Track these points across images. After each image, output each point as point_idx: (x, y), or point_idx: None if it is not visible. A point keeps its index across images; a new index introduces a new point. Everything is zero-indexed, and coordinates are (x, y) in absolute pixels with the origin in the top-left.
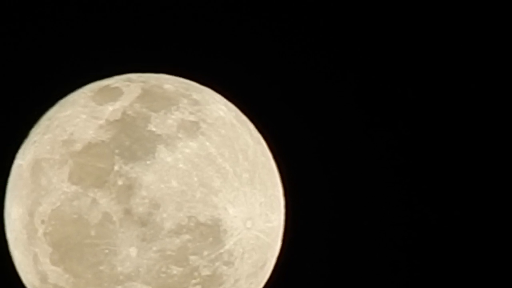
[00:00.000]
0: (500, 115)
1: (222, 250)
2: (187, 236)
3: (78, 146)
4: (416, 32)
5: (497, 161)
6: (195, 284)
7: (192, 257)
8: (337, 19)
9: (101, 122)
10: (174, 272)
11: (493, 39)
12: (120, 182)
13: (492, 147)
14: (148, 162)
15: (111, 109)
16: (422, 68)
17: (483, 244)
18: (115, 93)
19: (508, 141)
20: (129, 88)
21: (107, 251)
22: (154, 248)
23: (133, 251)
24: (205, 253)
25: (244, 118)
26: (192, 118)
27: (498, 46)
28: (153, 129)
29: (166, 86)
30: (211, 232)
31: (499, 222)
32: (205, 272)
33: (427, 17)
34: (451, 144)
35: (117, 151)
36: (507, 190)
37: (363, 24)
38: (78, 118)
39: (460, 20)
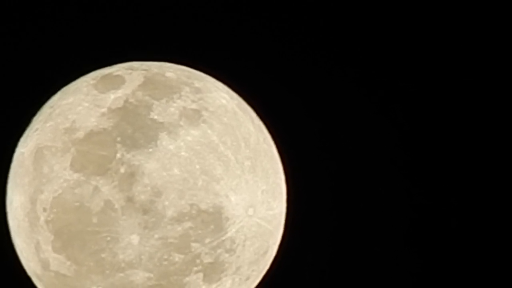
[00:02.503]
0: (500, 112)
1: (224, 238)
2: (189, 224)
3: (80, 134)
4: (417, 30)
5: (499, 160)
6: (197, 272)
7: (194, 245)
8: (338, 9)
9: (103, 110)
10: (176, 259)
11: (493, 37)
12: (122, 170)
13: (494, 149)
14: (150, 150)
15: (113, 97)
16: (423, 66)
17: (481, 244)
18: (117, 81)
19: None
20: (131, 76)
21: (109, 238)
22: (156, 236)
23: (134, 239)
24: (207, 240)
25: (246, 106)
26: (194, 106)
27: (498, 43)
28: (155, 117)
29: (168, 74)
30: (213, 219)
31: (499, 219)
32: (207, 259)
33: (429, 14)
34: (451, 139)
35: (119, 139)
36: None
37: (363, 14)
38: (80, 106)
39: (460, 16)
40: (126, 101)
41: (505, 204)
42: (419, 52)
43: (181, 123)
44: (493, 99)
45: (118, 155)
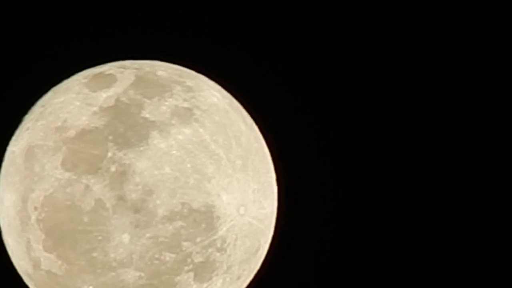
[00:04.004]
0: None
1: (215, 237)
2: (180, 223)
3: (71, 133)
4: (414, 31)
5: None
6: (188, 271)
7: (185, 244)
8: (329, 6)
9: (95, 108)
10: (167, 258)
11: (493, 37)
12: (113, 169)
13: (494, 149)
14: (141, 148)
15: (105, 96)
16: (414, 67)
17: (481, 245)
18: (109, 80)
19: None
20: (123, 75)
21: (100, 237)
22: (147, 235)
23: (126, 238)
24: (198, 239)
25: (237, 104)
26: (185, 104)
27: (498, 43)
28: (147, 115)
29: (160, 73)
30: (204, 218)
31: (498, 220)
32: (198, 258)
33: (427, 16)
34: (443, 139)
35: (110, 137)
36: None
37: (354, 10)
38: (71, 105)
39: (460, 16)
40: (117, 99)
41: (505, 204)
42: (411, 51)
43: (173, 121)
44: (494, 100)
45: (110, 154)
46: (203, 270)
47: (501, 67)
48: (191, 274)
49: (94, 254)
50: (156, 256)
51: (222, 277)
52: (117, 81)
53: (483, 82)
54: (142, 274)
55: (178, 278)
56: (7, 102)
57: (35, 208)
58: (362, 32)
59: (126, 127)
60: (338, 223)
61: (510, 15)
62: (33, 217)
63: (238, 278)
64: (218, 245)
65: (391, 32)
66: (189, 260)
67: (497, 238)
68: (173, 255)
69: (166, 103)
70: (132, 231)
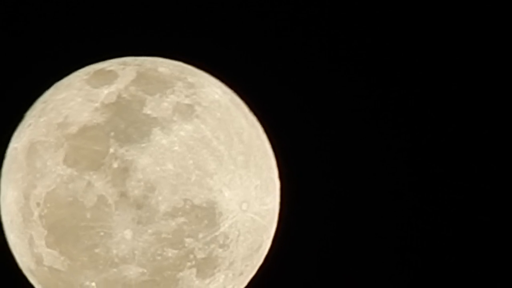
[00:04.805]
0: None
1: (217, 233)
2: (182, 219)
3: (73, 129)
4: (414, 31)
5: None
6: (190, 267)
7: (187, 240)
8: (329, 4)
9: (97, 105)
10: (169, 254)
11: (493, 39)
12: (115, 165)
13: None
14: (143, 145)
15: (107, 92)
16: (414, 67)
17: (480, 246)
18: (111, 76)
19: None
20: (124, 71)
21: (102, 233)
22: (150, 231)
23: (128, 234)
24: (200, 235)
25: (239, 101)
26: (187, 101)
27: (498, 44)
28: (149, 112)
29: (161, 69)
30: (207, 214)
31: (498, 222)
32: (200, 254)
33: (428, 16)
34: (441, 141)
35: (112, 134)
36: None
37: (355, 9)
38: (73, 101)
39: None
40: (119, 96)
41: (505, 203)
42: (411, 51)
43: (174, 118)
44: (493, 100)
45: (111, 150)
46: (206, 266)
47: (501, 67)
48: (194, 270)
49: (96, 250)
50: (159, 252)
51: (225, 273)
52: (119, 77)
53: (483, 82)
54: (145, 270)
55: (181, 274)
56: (9, 99)
57: (38, 205)
58: (362, 32)
59: (127, 123)
60: (340, 219)
61: (510, 15)
62: (36, 214)
63: (241, 274)
64: (221, 241)
65: (391, 32)
66: (191, 256)
67: (497, 237)
68: (175, 251)
69: (168, 99)
70: (134, 227)
